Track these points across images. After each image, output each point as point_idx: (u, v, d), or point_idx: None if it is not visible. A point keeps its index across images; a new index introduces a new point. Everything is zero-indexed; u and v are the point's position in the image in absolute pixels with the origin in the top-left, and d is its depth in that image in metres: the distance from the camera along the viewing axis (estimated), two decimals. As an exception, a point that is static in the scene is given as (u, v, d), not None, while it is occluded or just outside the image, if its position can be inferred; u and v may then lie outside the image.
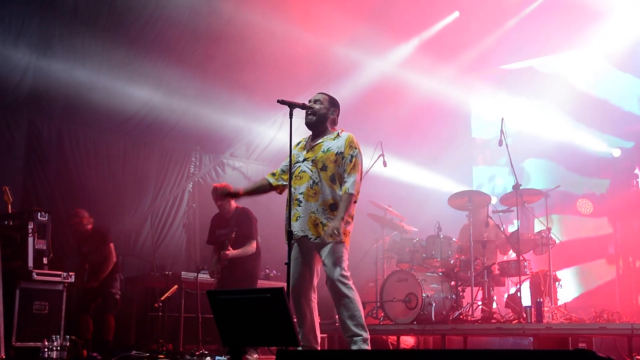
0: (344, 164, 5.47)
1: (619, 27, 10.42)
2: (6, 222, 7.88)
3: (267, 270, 9.81)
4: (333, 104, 5.74)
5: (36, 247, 7.89)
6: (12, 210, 8.03)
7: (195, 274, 8.71)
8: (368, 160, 8.98)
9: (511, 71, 11.98)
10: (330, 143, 5.54)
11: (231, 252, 7.74)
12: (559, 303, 8.55)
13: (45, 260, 7.97)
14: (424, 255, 8.80)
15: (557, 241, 8.82)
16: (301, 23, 9.84)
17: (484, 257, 8.87)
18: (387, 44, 11.19)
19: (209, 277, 8.33)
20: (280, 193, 5.85)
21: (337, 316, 6.57)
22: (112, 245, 8.78)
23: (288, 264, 5.26)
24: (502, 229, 9.03)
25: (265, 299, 4.71)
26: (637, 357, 6.88)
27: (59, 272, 7.93)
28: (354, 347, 5.45)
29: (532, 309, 7.79)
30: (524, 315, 7.87)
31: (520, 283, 8.41)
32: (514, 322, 8.03)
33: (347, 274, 5.51)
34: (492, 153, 11.83)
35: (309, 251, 5.58)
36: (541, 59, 11.57)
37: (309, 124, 5.65)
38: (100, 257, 8.70)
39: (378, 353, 3.81)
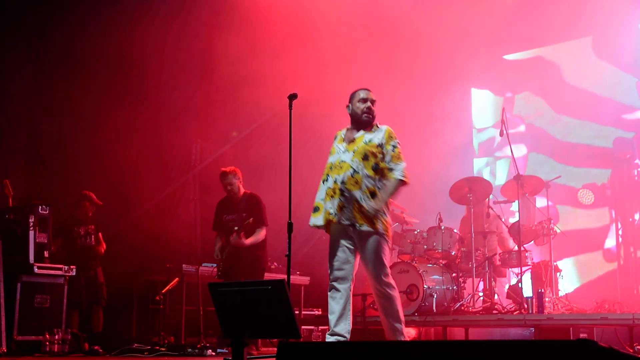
0: (387, 155, 5.58)
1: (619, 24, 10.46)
2: (7, 216, 7.89)
3: (268, 263, 9.79)
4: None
5: (37, 240, 7.90)
6: (13, 204, 8.03)
7: (197, 267, 8.69)
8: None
9: (514, 61, 11.94)
10: (371, 135, 5.65)
11: (244, 239, 7.60)
12: (560, 294, 8.56)
13: (46, 254, 7.98)
14: (425, 246, 8.79)
15: (558, 231, 8.81)
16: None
17: (485, 248, 8.87)
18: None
19: (210, 268, 8.31)
20: None
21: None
22: (100, 234, 8.80)
23: (288, 256, 5.26)
24: (503, 220, 9.04)
25: (267, 291, 4.71)
26: (638, 347, 6.89)
27: (60, 266, 7.94)
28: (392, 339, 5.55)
29: (533, 299, 7.79)
30: (525, 306, 7.87)
31: (521, 274, 8.41)
32: (515, 313, 8.04)
33: (388, 271, 5.60)
34: (493, 143, 11.81)
35: (352, 239, 5.59)
36: (544, 49, 11.54)
37: (366, 122, 5.72)
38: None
39: (379, 345, 3.81)
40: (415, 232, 8.95)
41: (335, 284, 5.62)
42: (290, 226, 5.37)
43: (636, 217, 10.05)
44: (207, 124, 10.92)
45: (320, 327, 9.10)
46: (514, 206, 9.60)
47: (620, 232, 10.15)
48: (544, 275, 8.35)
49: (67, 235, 8.71)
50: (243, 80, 10.15)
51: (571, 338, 7.57)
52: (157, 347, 7.64)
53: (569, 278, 9.97)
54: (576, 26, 10.76)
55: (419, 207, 10.10)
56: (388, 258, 5.62)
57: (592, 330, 7.79)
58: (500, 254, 8.85)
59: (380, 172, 5.58)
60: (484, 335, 8.95)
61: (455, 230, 8.85)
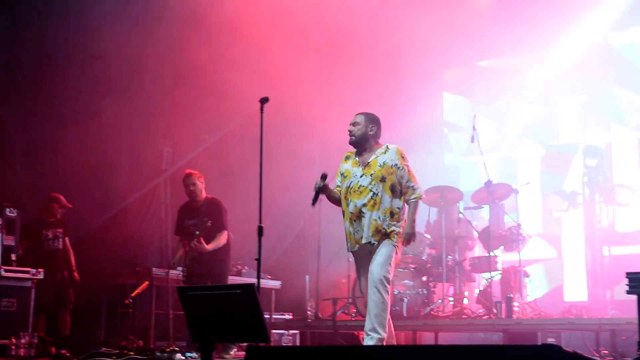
0: (403, 175, 5.93)
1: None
2: (-27, 219, 7.78)
3: (238, 267, 9.77)
4: (371, 120, 6.12)
5: (4, 243, 7.81)
6: (-20, 207, 7.93)
7: (167, 270, 8.64)
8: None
9: (487, 68, 12.06)
10: (384, 157, 5.97)
11: (203, 245, 7.58)
12: (529, 298, 8.64)
13: (13, 257, 7.88)
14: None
15: (527, 237, 8.90)
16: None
17: (455, 253, 8.92)
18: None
19: (180, 272, 8.27)
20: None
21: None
22: (67, 239, 8.72)
23: (258, 260, 5.25)
24: (473, 225, 9.11)
25: (236, 295, 4.70)
26: (604, 351, 6.98)
27: (28, 269, 7.84)
28: (370, 342, 5.72)
29: (503, 304, 7.86)
30: (494, 310, 7.94)
31: (491, 279, 8.48)
32: (484, 317, 8.10)
33: (389, 276, 5.82)
34: (464, 149, 11.89)
35: (368, 256, 5.89)
36: (515, 57, 11.66)
37: (352, 144, 6.10)
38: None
39: (348, 349, 3.83)
40: (386, 236, 8.96)
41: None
42: (260, 230, 5.35)
43: (604, 223, 10.16)
44: (178, 128, 10.86)
45: (291, 331, 9.09)
46: (484, 212, 9.68)
47: (588, 238, 10.26)
48: (513, 280, 8.43)
49: (35, 238, 8.60)
50: (215, 85, 10.12)
51: (539, 342, 7.64)
52: (126, 351, 7.56)
53: (537, 283, 10.08)
54: (545, 36, 10.88)
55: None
56: (393, 267, 5.87)
57: (559, 335, 7.88)
58: (470, 258, 8.91)
59: (397, 191, 5.93)
60: (453, 340, 9.01)
61: (426, 235, 8.89)
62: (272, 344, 8.61)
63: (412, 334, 8.12)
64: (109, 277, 9.43)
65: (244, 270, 9.82)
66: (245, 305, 4.61)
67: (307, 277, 9.98)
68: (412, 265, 8.82)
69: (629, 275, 3.75)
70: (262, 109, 5.54)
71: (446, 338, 8.80)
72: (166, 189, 11.08)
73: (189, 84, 10.43)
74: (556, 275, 10.61)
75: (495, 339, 8.54)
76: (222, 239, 7.78)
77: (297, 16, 10.22)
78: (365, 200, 5.84)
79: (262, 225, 5.78)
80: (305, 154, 12.07)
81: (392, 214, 5.85)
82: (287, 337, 9.13)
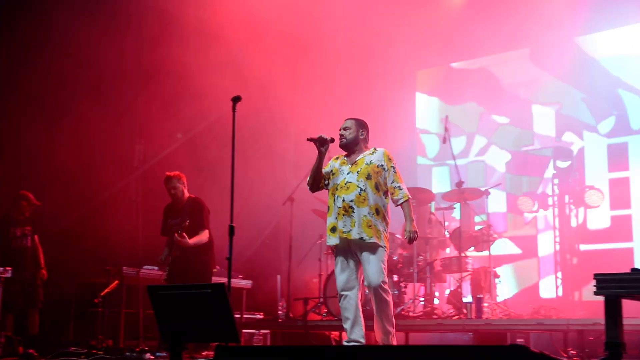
0: (388, 175, 6.18)
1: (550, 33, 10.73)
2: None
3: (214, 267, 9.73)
4: (361, 126, 6.41)
5: (-29, 240, 7.70)
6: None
7: (138, 269, 8.58)
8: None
9: (460, 70, 12.13)
10: (371, 157, 6.22)
11: (186, 239, 7.49)
12: (499, 299, 8.71)
13: (-19, 255, 7.79)
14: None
15: (498, 238, 8.97)
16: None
17: (426, 254, 8.96)
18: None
19: (151, 271, 8.23)
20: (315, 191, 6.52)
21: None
22: (37, 237, 8.63)
23: (229, 259, 5.24)
24: (444, 226, 9.16)
25: (206, 294, 4.68)
26: (572, 352, 7.05)
27: (-6, 267, 7.76)
28: (382, 342, 6.08)
29: (472, 305, 7.91)
30: (465, 311, 7.99)
31: (461, 279, 8.53)
32: (454, 318, 8.15)
33: (387, 280, 6.08)
34: (436, 149, 11.96)
35: (355, 252, 6.08)
36: (487, 58, 11.75)
37: (342, 147, 6.34)
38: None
39: (319, 349, 3.83)
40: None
41: (345, 293, 6.08)
42: (231, 229, 5.34)
43: (573, 224, 10.28)
44: (152, 125, 10.79)
45: (262, 331, 9.07)
46: (456, 213, 9.74)
47: (558, 239, 10.37)
48: (483, 281, 8.49)
49: (3, 236, 8.50)
50: (188, 83, 10.08)
51: (508, 343, 7.70)
52: (95, 351, 7.51)
53: (507, 283, 10.16)
54: (516, 37, 10.97)
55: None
56: (386, 267, 6.08)
57: (528, 335, 7.94)
58: (441, 259, 8.96)
59: (382, 190, 6.16)
60: (424, 340, 9.05)
61: (397, 235, 8.92)
62: (242, 343, 8.59)
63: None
64: (79, 276, 9.35)
65: (215, 270, 9.77)
66: (216, 305, 4.59)
67: (278, 276, 9.98)
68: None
69: (597, 276, 3.80)
70: (234, 108, 5.54)
71: (417, 338, 8.84)
72: (138, 187, 11.00)
73: (163, 81, 10.37)
74: (526, 276, 10.70)
75: (466, 339, 8.59)
76: (203, 236, 7.74)
77: (271, 16, 10.22)
78: (353, 196, 6.02)
79: (234, 224, 5.77)
80: (279, 153, 12.07)
81: (377, 211, 6.05)
82: (258, 337, 9.09)
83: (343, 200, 6.04)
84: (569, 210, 10.33)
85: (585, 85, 10.70)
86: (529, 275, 10.70)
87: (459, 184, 8.77)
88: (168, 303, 4.87)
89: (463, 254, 8.54)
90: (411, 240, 6.21)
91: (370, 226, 5.98)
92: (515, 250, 10.67)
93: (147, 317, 8.12)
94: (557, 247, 10.37)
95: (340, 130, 6.35)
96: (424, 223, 9.08)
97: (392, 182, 6.17)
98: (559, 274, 10.28)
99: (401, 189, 6.17)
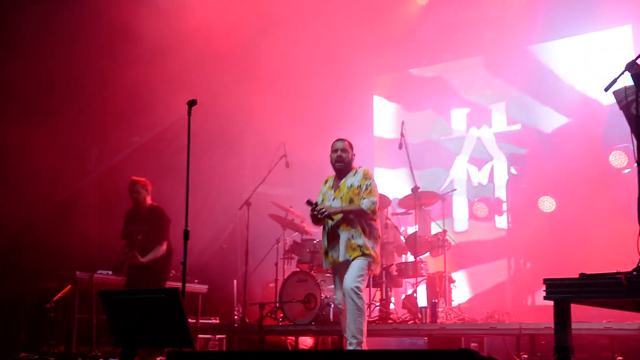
0: (362, 191, 6.48)
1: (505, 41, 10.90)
2: None
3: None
4: (352, 147, 6.75)
5: None
6: None
7: (91, 274, 8.47)
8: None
9: (418, 76, 12.23)
10: (352, 179, 6.58)
11: (138, 258, 7.48)
12: (454, 304, 8.79)
13: None
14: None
15: (453, 243, 9.06)
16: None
17: (382, 259, 9.00)
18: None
19: (105, 275, 8.13)
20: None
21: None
22: None
23: (184, 264, 5.21)
24: (400, 231, 9.21)
25: (160, 299, 4.65)
26: (524, 355, 7.15)
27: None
28: (350, 347, 6.37)
29: (427, 309, 7.97)
30: (420, 315, 8.04)
31: (417, 284, 8.59)
32: (409, 322, 8.21)
33: (362, 286, 6.38)
34: (392, 155, 12.03)
35: (344, 271, 6.43)
36: (443, 65, 11.87)
37: (338, 170, 6.67)
38: None
39: (272, 354, 3.83)
40: (315, 241, 9.01)
41: (341, 307, 6.52)
42: (186, 233, 5.31)
43: (527, 230, 10.43)
44: (107, 129, 10.69)
45: (218, 336, 9.03)
46: (411, 218, 9.81)
47: (511, 245, 10.50)
48: (438, 286, 8.56)
49: None
50: (143, 88, 10.00)
51: (463, 347, 7.77)
52: (46, 357, 7.40)
53: (462, 288, 10.26)
54: (470, 45, 11.12)
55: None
56: (366, 280, 6.47)
57: (482, 340, 8.03)
58: (397, 264, 9.01)
59: None
60: (379, 345, 9.07)
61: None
62: (198, 348, 8.54)
63: (338, 338, 8.15)
64: (31, 280, 9.19)
65: (171, 275, 9.70)
66: (169, 310, 4.57)
67: (235, 281, 9.94)
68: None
69: (546, 281, 3.85)
70: (189, 112, 5.54)
71: (372, 343, 8.86)
72: (94, 191, 10.88)
73: (119, 84, 10.27)
74: (481, 281, 10.82)
75: (421, 344, 8.65)
76: (160, 250, 7.70)
77: (228, 20, 10.20)
78: (339, 221, 6.43)
79: (189, 229, 5.73)
80: (236, 157, 12.03)
81: (363, 230, 6.41)
82: (214, 342, 9.05)
83: (330, 226, 6.48)
84: (522, 216, 10.47)
85: (538, 92, 10.89)
86: (483, 280, 10.81)
87: (415, 189, 8.84)
88: (121, 308, 4.82)
89: (418, 259, 8.61)
90: (358, 247, 6.39)
91: (354, 248, 6.37)
92: (470, 255, 10.77)
93: (100, 323, 8.00)
94: (511, 253, 10.50)
95: (336, 152, 6.62)
96: (380, 228, 9.10)
97: (361, 196, 6.46)
98: (512, 279, 10.41)
99: (363, 200, 6.43)
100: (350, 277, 6.30)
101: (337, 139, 6.77)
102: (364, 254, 6.35)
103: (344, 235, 6.40)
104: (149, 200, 7.93)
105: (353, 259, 6.35)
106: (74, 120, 10.34)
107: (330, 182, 6.76)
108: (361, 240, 6.38)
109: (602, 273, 3.82)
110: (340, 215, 6.44)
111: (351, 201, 6.46)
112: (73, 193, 10.62)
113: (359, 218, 6.43)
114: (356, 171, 6.64)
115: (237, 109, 11.03)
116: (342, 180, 6.62)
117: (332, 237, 6.48)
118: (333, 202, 6.53)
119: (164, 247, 7.74)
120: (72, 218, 10.48)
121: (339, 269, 6.52)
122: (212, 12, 10.23)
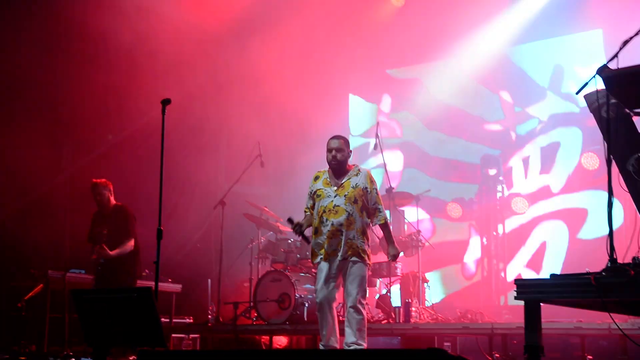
0: (370, 198, 6.40)
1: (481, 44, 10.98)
2: None
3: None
4: (347, 144, 6.55)
5: None
6: None
7: (63, 273, 8.40)
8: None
9: (394, 76, 12.27)
10: (356, 179, 6.42)
11: (106, 251, 7.47)
12: (427, 304, 8.83)
13: None
14: (298, 255, 8.88)
15: (427, 244, 9.10)
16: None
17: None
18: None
19: (77, 275, 8.07)
20: None
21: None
22: None
23: (157, 263, 5.19)
24: (374, 232, 9.24)
25: (132, 298, 4.63)
26: (496, 355, 7.20)
27: None
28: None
29: (401, 309, 8.01)
30: (393, 315, 8.08)
31: (390, 284, 8.62)
32: (383, 322, 8.24)
33: (366, 295, 6.46)
34: (367, 153, 12.06)
35: (339, 269, 6.32)
36: (420, 66, 11.92)
37: (333, 169, 6.48)
38: None
39: (244, 353, 3.83)
40: (289, 241, 9.02)
41: (325, 304, 6.31)
42: (159, 232, 5.29)
43: (499, 230, 10.52)
44: (79, 128, 10.59)
45: (192, 335, 8.99)
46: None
47: (484, 245, 10.58)
48: (412, 286, 8.60)
49: None
50: (116, 87, 9.95)
51: (436, 346, 7.80)
52: (17, 356, 7.33)
53: (436, 288, 10.31)
54: (445, 47, 11.18)
55: (293, 216, 10.17)
56: (366, 284, 6.42)
57: (455, 339, 8.08)
58: (371, 264, 9.02)
59: (365, 211, 6.39)
60: (353, 344, 9.10)
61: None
62: (171, 348, 8.51)
63: (312, 337, 8.16)
64: (2, 280, 9.10)
65: (144, 274, 9.64)
66: (142, 310, 4.55)
67: (209, 280, 9.90)
68: (313, 270, 8.87)
69: (517, 281, 3.90)
70: (163, 111, 5.51)
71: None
72: (66, 189, 10.78)
73: (92, 83, 10.19)
74: (454, 281, 10.90)
75: (394, 343, 8.68)
76: (127, 246, 7.67)
77: (202, 19, 10.18)
78: (342, 220, 6.25)
79: (162, 228, 5.71)
80: (210, 156, 11.99)
81: (363, 232, 6.33)
82: (188, 341, 9.01)
83: (332, 224, 6.28)
84: (495, 217, 10.56)
85: (513, 93, 10.99)
86: (457, 280, 10.89)
87: (389, 189, 8.87)
88: (93, 307, 4.79)
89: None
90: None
91: (354, 247, 6.26)
92: (444, 255, 10.83)
93: (72, 322, 7.95)
94: (484, 253, 10.58)
95: (331, 151, 6.43)
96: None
97: (375, 204, 6.42)
98: (485, 279, 10.49)
99: (381, 212, 6.46)
100: (355, 289, 6.23)
101: (332, 136, 6.54)
102: (364, 261, 6.29)
103: (346, 234, 6.25)
104: (112, 200, 7.90)
105: (354, 262, 6.24)
106: (47, 119, 10.24)
107: (325, 178, 6.53)
108: (361, 242, 6.30)
109: (571, 273, 3.87)
110: (343, 216, 6.25)
111: (355, 201, 6.31)
112: (45, 191, 10.50)
113: (362, 222, 6.34)
114: (359, 170, 6.49)
115: (212, 108, 11.00)
116: (345, 179, 6.43)
117: (332, 234, 6.27)
118: (335, 199, 6.33)
119: (132, 243, 7.72)
120: (44, 216, 10.38)
121: (332, 266, 6.29)
122: (185, 13, 10.20)
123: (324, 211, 6.34)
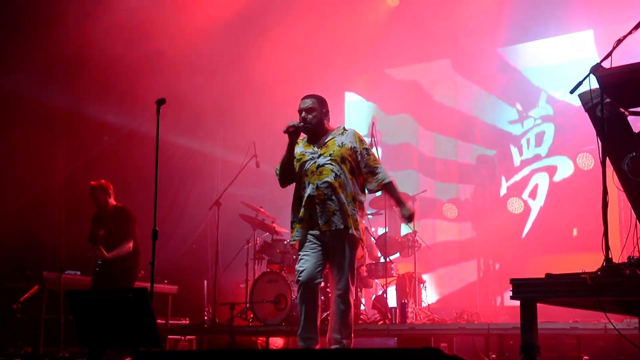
0: (363, 158, 5.47)
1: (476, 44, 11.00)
2: None
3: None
4: (323, 103, 5.62)
5: None
6: None
7: (59, 274, 8.39)
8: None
9: (391, 76, 12.28)
10: (342, 138, 5.50)
11: (103, 252, 7.46)
12: (423, 304, 8.84)
13: None
14: (294, 256, 8.85)
15: (423, 244, 9.11)
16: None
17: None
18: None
19: (73, 276, 8.06)
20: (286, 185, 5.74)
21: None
22: None
23: (152, 264, 5.18)
24: (371, 232, 9.24)
25: (128, 299, 4.62)
26: (492, 355, 7.21)
27: None
28: (334, 347, 5.47)
29: (397, 310, 8.01)
30: (389, 316, 8.07)
31: (387, 285, 8.62)
32: (379, 323, 8.24)
33: (354, 279, 5.46)
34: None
35: (328, 242, 5.38)
36: (415, 67, 11.92)
37: (307, 133, 5.54)
38: None
39: (240, 353, 3.82)
40: (285, 242, 9.01)
41: (307, 284, 5.37)
42: (154, 233, 5.28)
43: (496, 231, 10.52)
44: (75, 128, 10.58)
45: (187, 337, 8.99)
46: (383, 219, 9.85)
47: (480, 245, 10.59)
48: (408, 287, 8.61)
49: None
50: (113, 87, 9.93)
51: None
52: (12, 358, 7.31)
53: (432, 289, 10.32)
54: (439, 47, 11.19)
55: (289, 218, 10.16)
56: (355, 267, 5.52)
57: (452, 340, 8.08)
58: (367, 264, 9.04)
59: (355, 175, 5.50)
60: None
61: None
62: (167, 349, 8.49)
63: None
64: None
65: (140, 275, 9.63)
66: (137, 310, 4.54)
67: (205, 281, 9.89)
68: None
69: (513, 281, 3.89)
70: (158, 111, 5.50)
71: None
72: (61, 190, 10.77)
73: (88, 83, 10.18)
74: (450, 282, 10.89)
75: (391, 344, 8.68)
76: (125, 247, 7.66)
77: (200, 17, 10.17)
78: (330, 179, 5.31)
79: (158, 229, 5.70)
80: (206, 157, 11.99)
81: (354, 199, 5.40)
82: (184, 342, 9.01)
83: (317, 187, 5.31)
84: (491, 217, 10.56)
85: (508, 94, 11.00)
86: (453, 281, 10.89)
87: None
88: (88, 308, 4.78)
89: (388, 259, 8.65)
90: (410, 219, 5.62)
91: (349, 215, 5.30)
92: (440, 256, 10.84)
93: (68, 323, 7.92)
94: (480, 253, 10.59)
95: (301, 112, 5.52)
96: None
97: (371, 166, 5.50)
98: (482, 280, 10.49)
99: (380, 172, 5.50)
100: (343, 272, 5.34)
101: (303, 96, 5.62)
102: (358, 238, 5.36)
103: (338, 197, 5.29)
104: (111, 201, 7.90)
105: (347, 232, 5.29)
106: (42, 119, 10.23)
107: (304, 142, 5.59)
108: (352, 209, 5.33)
109: (567, 273, 3.87)
110: (330, 176, 5.32)
111: (343, 160, 5.35)
112: (41, 192, 10.49)
113: (353, 187, 5.41)
114: (344, 129, 5.59)
115: (208, 108, 10.99)
116: (329, 137, 5.49)
117: (319, 199, 5.30)
118: (319, 159, 5.38)
119: (130, 244, 7.71)
120: (40, 218, 10.37)
121: (318, 239, 5.37)
122: (186, 13, 10.20)
123: (305, 174, 5.41)
